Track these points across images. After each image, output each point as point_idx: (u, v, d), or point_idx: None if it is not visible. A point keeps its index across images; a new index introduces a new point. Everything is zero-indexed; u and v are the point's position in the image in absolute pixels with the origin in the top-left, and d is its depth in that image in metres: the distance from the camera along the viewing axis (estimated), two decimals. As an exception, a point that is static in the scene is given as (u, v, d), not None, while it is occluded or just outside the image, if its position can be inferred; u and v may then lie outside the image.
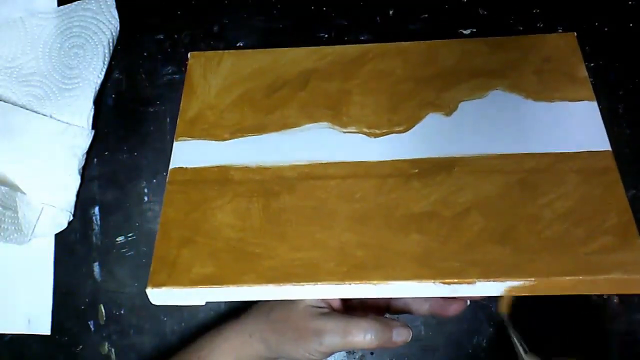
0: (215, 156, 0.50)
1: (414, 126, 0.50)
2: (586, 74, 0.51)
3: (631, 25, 0.62)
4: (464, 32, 0.63)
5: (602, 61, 0.61)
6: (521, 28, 0.62)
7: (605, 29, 0.62)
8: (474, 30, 0.63)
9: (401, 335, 0.45)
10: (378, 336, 0.45)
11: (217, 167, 0.49)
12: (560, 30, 0.62)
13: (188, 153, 0.51)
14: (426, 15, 0.64)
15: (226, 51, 0.57)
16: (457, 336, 0.59)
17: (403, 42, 0.55)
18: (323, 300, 0.47)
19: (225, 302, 0.60)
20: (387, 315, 0.52)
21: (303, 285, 0.43)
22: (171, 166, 0.50)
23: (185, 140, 0.51)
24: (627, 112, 0.60)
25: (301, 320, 0.46)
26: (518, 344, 0.46)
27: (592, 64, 0.61)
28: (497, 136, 0.49)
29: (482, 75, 0.52)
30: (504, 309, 0.51)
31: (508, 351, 0.54)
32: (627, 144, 0.59)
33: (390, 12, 0.64)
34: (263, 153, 0.50)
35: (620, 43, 0.62)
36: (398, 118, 0.50)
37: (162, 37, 0.65)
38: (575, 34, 0.54)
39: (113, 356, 0.60)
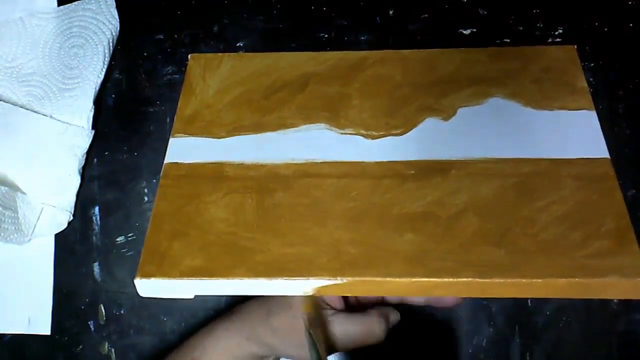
0: (210, 153, 0.50)
1: (411, 129, 0.50)
2: (586, 84, 0.51)
3: (631, 25, 0.62)
4: (464, 32, 0.63)
5: (602, 61, 0.61)
6: (521, 28, 0.62)
7: (606, 29, 0.62)
8: (474, 30, 0.63)
9: (394, 321, 0.48)
10: (382, 330, 0.46)
11: (212, 163, 0.49)
12: (560, 31, 0.62)
13: (183, 149, 0.51)
14: (426, 15, 0.64)
15: (226, 54, 0.57)
16: (457, 336, 0.59)
17: (403, 50, 0.55)
18: (324, 300, 0.47)
19: (225, 301, 0.60)
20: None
21: (294, 280, 0.42)
22: (166, 161, 0.50)
23: (181, 137, 0.51)
24: (627, 112, 0.60)
25: None
26: (312, 349, 0.44)
27: (592, 64, 0.61)
28: (495, 141, 0.49)
29: (481, 83, 0.52)
30: (307, 308, 0.48)
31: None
32: (627, 144, 0.59)
33: (390, 12, 0.64)
34: (259, 151, 0.50)
35: (621, 43, 0.61)
36: (396, 122, 0.50)
37: (162, 37, 0.65)
38: (575, 46, 0.54)
39: (113, 356, 0.61)
